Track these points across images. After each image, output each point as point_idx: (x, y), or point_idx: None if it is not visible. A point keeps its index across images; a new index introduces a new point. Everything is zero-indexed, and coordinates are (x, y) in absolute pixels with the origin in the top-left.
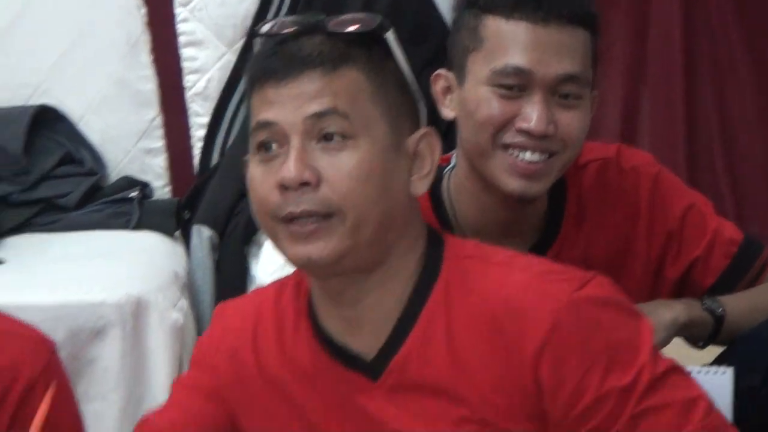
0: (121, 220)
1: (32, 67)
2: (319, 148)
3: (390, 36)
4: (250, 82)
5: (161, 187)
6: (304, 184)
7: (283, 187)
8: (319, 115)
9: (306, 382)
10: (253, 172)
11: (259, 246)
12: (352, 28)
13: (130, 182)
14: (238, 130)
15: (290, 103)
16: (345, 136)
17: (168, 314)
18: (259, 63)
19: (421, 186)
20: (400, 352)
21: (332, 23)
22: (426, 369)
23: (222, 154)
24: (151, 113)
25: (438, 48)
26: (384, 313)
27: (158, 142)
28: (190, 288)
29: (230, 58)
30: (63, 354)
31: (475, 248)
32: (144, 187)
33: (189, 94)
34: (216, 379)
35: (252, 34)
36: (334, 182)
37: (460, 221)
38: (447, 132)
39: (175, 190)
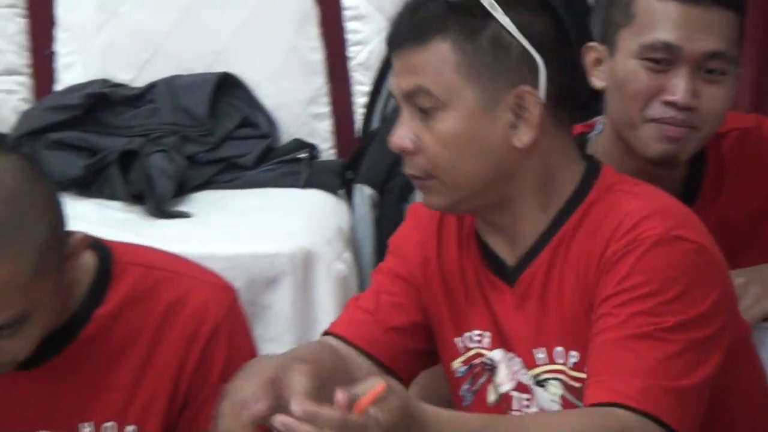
0: (291, 179)
1: (215, 39)
2: (418, 118)
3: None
4: None
5: (327, 149)
6: (404, 151)
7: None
8: (408, 93)
9: (465, 280)
10: None
11: None
12: None
13: (299, 144)
14: None
15: (395, 75)
16: (433, 108)
17: (334, 265)
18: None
19: (524, 137)
20: (531, 265)
21: None
22: (546, 286)
23: (382, 119)
24: (319, 81)
25: (579, 24)
26: (532, 230)
27: (324, 108)
28: (352, 242)
29: None
30: (242, 300)
31: (625, 182)
32: (312, 149)
33: (352, 64)
34: (407, 266)
35: None
36: (426, 150)
37: None
38: (589, 100)
39: (340, 152)
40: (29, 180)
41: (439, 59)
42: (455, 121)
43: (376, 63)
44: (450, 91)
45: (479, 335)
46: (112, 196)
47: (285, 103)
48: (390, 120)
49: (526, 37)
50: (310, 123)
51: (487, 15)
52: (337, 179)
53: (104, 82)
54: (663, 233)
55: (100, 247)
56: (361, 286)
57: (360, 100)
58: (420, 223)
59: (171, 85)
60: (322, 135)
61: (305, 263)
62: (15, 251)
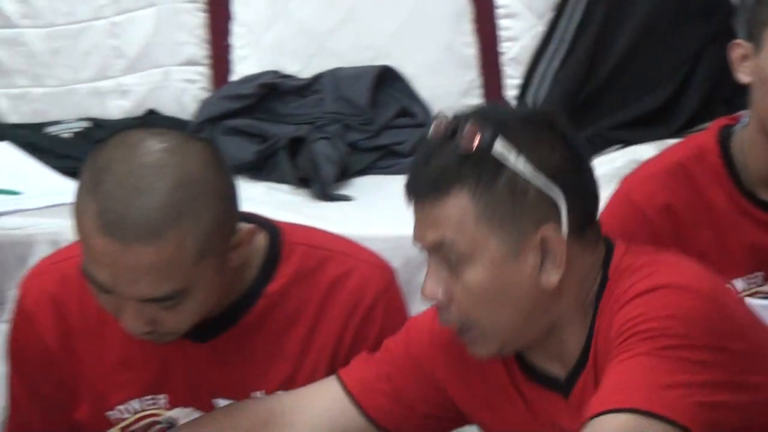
0: None
1: (376, 35)
2: (446, 268)
3: (499, 147)
4: None
5: None
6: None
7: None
8: (433, 246)
9: (520, 393)
10: None
11: None
12: (462, 148)
13: None
14: (546, 91)
15: (417, 226)
16: (459, 260)
17: None
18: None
19: (553, 275)
20: (582, 375)
21: (462, 141)
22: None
23: None
24: (472, 75)
25: (722, 24)
26: (577, 343)
27: (477, 99)
28: None
29: (540, 28)
30: (399, 279)
31: (630, 255)
32: None
33: (504, 59)
34: (421, 365)
35: (561, 6)
36: (458, 301)
37: (750, 174)
38: (734, 95)
39: None
40: (210, 169)
41: (459, 211)
42: (482, 271)
43: (526, 58)
44: (474, 242)
45: None
46: (281, 180)
47: (440, 95)
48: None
49: (543, 172)
50: None
51: (497, 165)
52: None
53: (274, 73)
54: (650, 285)
55: (270, 227)
56: None
57: (510, 92)
58: (443, 336)
59: (335, 76)
60: None
61: None
62: (181, 233)
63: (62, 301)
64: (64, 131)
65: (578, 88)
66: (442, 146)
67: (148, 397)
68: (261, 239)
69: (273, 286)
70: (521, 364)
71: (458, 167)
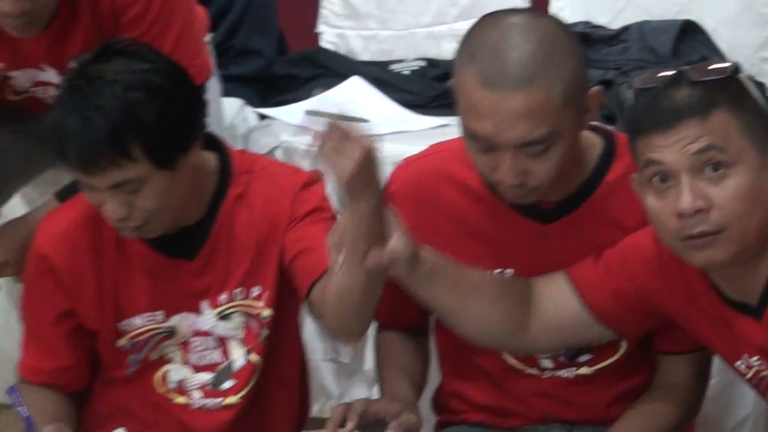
0: None
1: None
2: (705, 179)
3: (743, 76)
4: (635, 130)
5: None
6: (698, 211)
7: (681, 215)
8: (700, 152)
9: (716, 310)
10: (650, 201)
11: None
12: (711, 77)
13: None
14: None
15: (674, 146)
16: (725, 166)
17: None
18: (641, 115)
19: None
20: None
21: (694, 73)
22: None
23: None
24: None
25: None
26: (763, 276)
27: None
28: None
29: None
30: None
31: None
32: (762, 86)
33: None
34: (637, 287)
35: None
36: (723, 206)
37: None
38: None
39: None
40: (563, 31)
41: (723, 125)
42: (746, 177)
43: None
44: (738, 151)
45: (757, 361)
46: None
47: (738, 48)
48: None
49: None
50: (760, 65)
51: (742, 88)
52: None
53: (587, 23)
54: None
55: (603, 131)
56: None
57: None
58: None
59: (641, 28)
60: None
61: None
62: (549, 79)
63: (421, 198)
64: (405, 69)
65: None
66: (674, 86)
67: (498, 270)
68: (595, 139)
69: (610, 177)
70: (717, 293)
71: (711, 92)
